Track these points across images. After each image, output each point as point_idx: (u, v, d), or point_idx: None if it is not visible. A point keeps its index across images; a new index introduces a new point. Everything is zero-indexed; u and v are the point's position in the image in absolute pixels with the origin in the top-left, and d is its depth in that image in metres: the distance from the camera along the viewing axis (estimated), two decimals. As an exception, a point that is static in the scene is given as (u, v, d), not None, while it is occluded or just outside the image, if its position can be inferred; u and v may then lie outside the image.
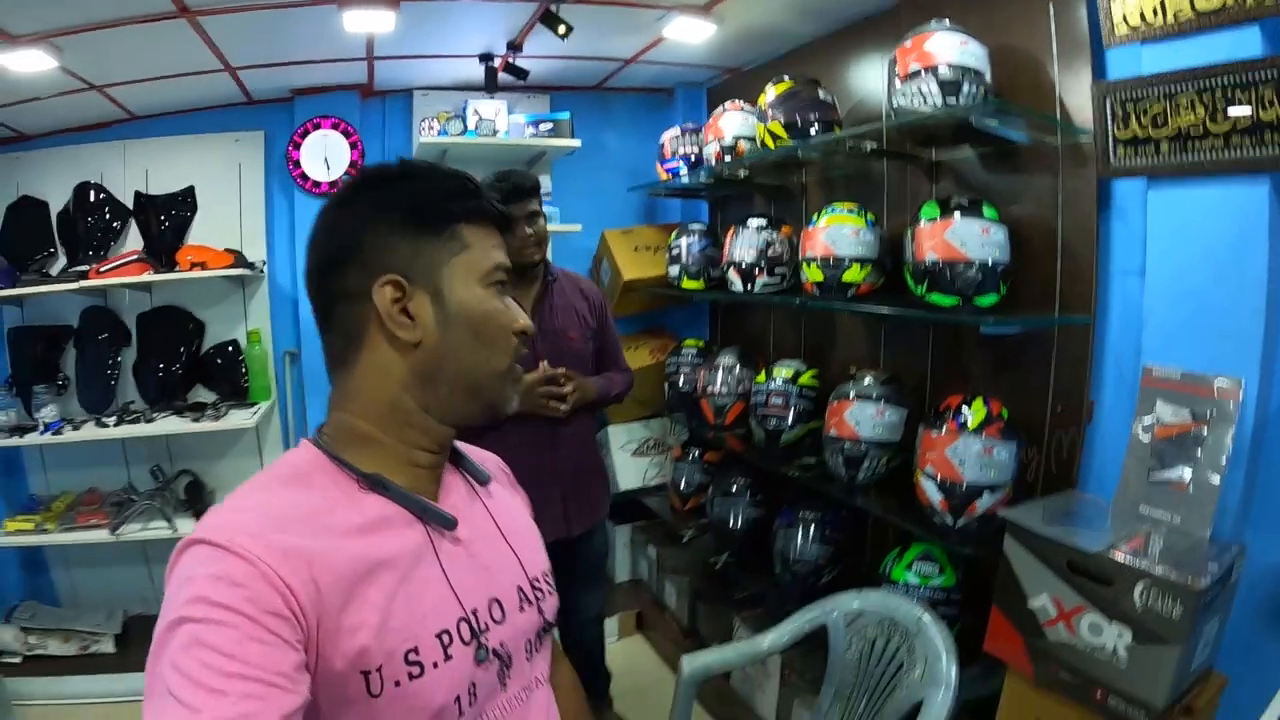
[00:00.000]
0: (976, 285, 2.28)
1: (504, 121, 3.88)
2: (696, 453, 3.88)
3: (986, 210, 2.34)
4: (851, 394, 2.70)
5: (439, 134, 3.78)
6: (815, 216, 2.81)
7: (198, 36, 2.97)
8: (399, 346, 1.02)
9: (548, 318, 2.77)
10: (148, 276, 3.63)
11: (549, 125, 3.89)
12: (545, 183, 3.99)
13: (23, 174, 3.88)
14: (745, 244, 3.18)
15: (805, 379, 3.09)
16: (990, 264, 2.28)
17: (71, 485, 4.04)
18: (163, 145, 3.95)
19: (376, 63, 3.66)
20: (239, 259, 3.77)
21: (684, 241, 3.70)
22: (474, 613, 1.04)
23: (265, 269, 3.93)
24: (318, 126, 3.94)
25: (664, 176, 3.86)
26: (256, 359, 3.97)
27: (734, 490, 3.45)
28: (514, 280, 2.50)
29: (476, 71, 3.71)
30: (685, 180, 3.77)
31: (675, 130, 3.81)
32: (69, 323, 3.94)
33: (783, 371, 3.13)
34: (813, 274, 2.76)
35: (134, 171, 3.94)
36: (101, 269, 3.59)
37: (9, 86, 3.16)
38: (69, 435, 3.65)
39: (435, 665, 0.96)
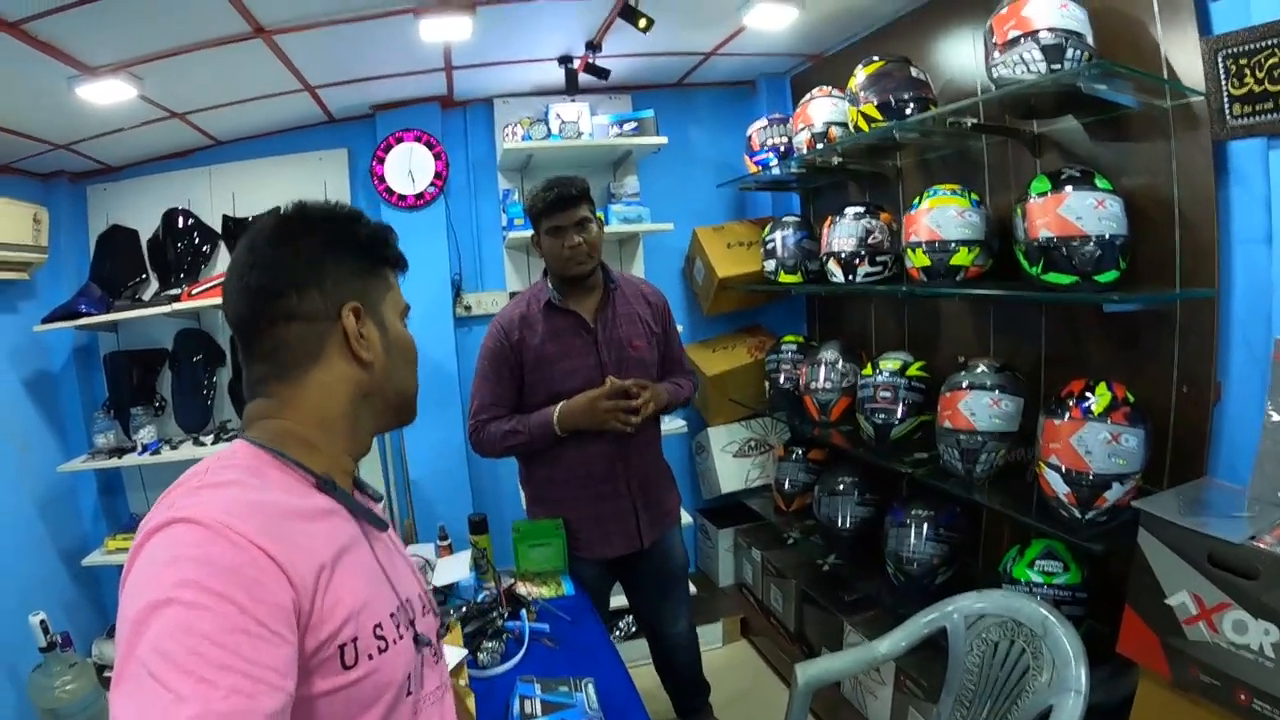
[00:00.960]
0: (1095, 261, 2.16)
1: (587, 123, 3.86)
2: (800, 452, 3.81)
3: (1099, 182, 2.22)
4: (965, 383, 2.59)
5: (523, 139, 3.78)
6: (916, 200, 2.73)
7: (275, 56, 3.02)
8: (354, 365, 1.14)
9: (610, 327, 2.72)
10: (240, 297, 3.67)
11: (633, 124, 3.86)
12: (632, 184, 3.99)
13: (112, 204, 4.02)
14: (844, 233, 3.12)
15: (913, 370, 3.00)
16: (1108, 238, 2.16)
17: (170, 505, 4.12)
18: (248, 168, 4.06)
19: (455, 72, 3.69)
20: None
21: (779, 235, 3.66)
22: (407, 602, 1.14)
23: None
24: (400, 140, 3.99)
25: (753, 169, 3.80)
26: (353, 372, 3.99)
27: (841, 489, 3.37)
28: (571, 291, 2.69)
29: (556, 75, 3.71)
30: (775, 172, 3.72)
31: (762, 121, 3.76)
32: (164, 346, 4.08)
33: (889, 364, 3.04)
34: (918, 259, 2.68)
35: (221, 195, 4.05)
36: (194, 291, 3.69)
37: (94, 119, 3.26)
38: (167, 455, 3.76)
39: (395, 641, 1.05)
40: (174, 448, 3.81)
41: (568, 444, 2.67)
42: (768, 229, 3.74)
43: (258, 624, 0.83)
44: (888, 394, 2.99)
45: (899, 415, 2.96)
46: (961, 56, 2.95)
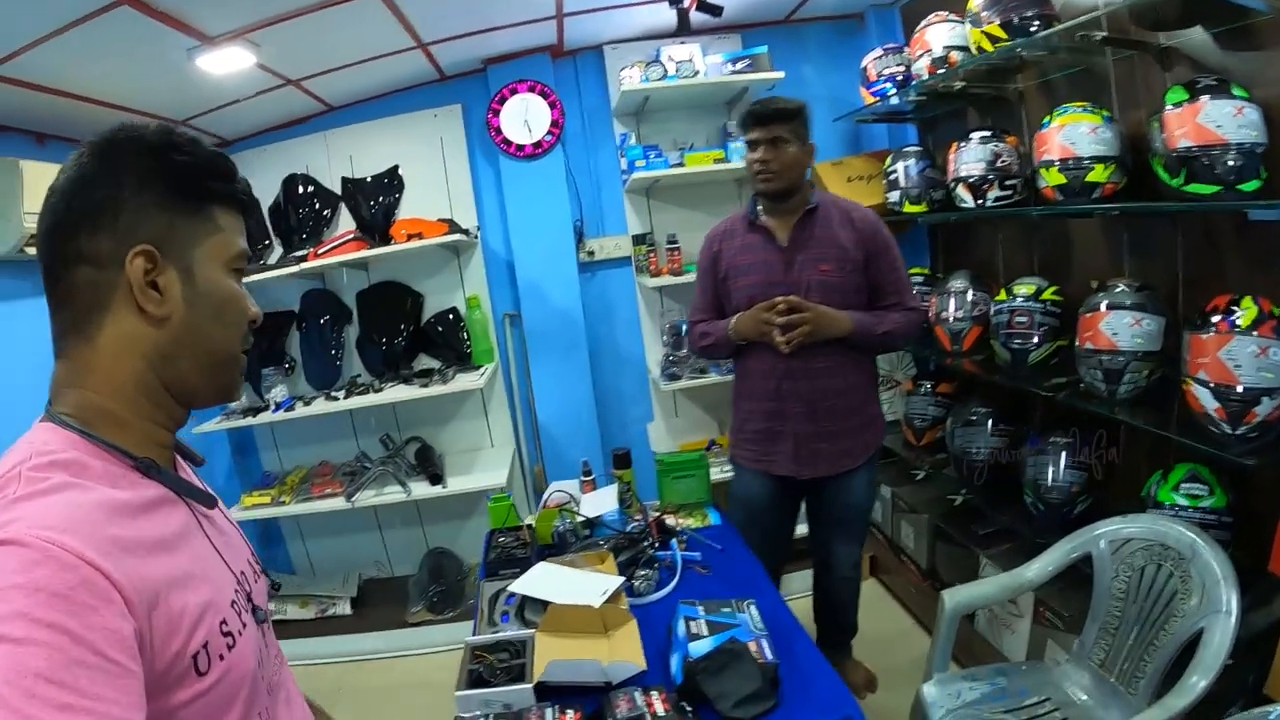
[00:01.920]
0: (1237, 170, 2.13)
1: (701, 63, 3.88)
2: (928, 385, 3.81)
3: (1235, 90, 2.18)
4: (1104, 304, 2.56)
5: (641, 80, 3.81)
6: (1046, 119, 2.70)
7: (389, 13, 3.12)
8: (145, 320, 0.98)
9: (798, 246, 2.76)
10: (366, 252, 3.85)
11: (746, 62, 3.87)
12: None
13: None
14: (972, 158, 3.10)
15: (1048, 295, 2.96)
16: (1249, 146, 2.13)
17: (303, 460, 4.43)
18: (363, 131, 4.21)
19: (566, 20, 3.75)
20: (453, 226, 3.95)
21: (901, 165, 3.63)
22: (241, 578, 1.07)
23: (479, 234, 4.12)
24: (514, 92, 4.07)
25: (869, 100, 3.77)
26: (477, 323, 4.19)
27: (974, 419, 3.36)
28: (771, 208, 2.82)
29: (666, 17, 3.71)
30: (894, 101, 3.68)
31: (876, 52, 3.71)
32: (291, 308, 4.29)
33: (1023, 289, 3.01)
34: (1052, 178, 2.64)
35: (338, 159, 4.21)
36: (319, 251, 3.86)
37: (211, 92, 3.40)
38: (300, 411, 3.95)
39: (239, 632, 0.99)
40: (307, 404, 4.00)
41: (749, 355, 2.86)
42: (889, 160, 3.71)
43: (95, 654, 0.75)
44: (1024, 319, 2.97)
45: (1035, 340, 2.94)
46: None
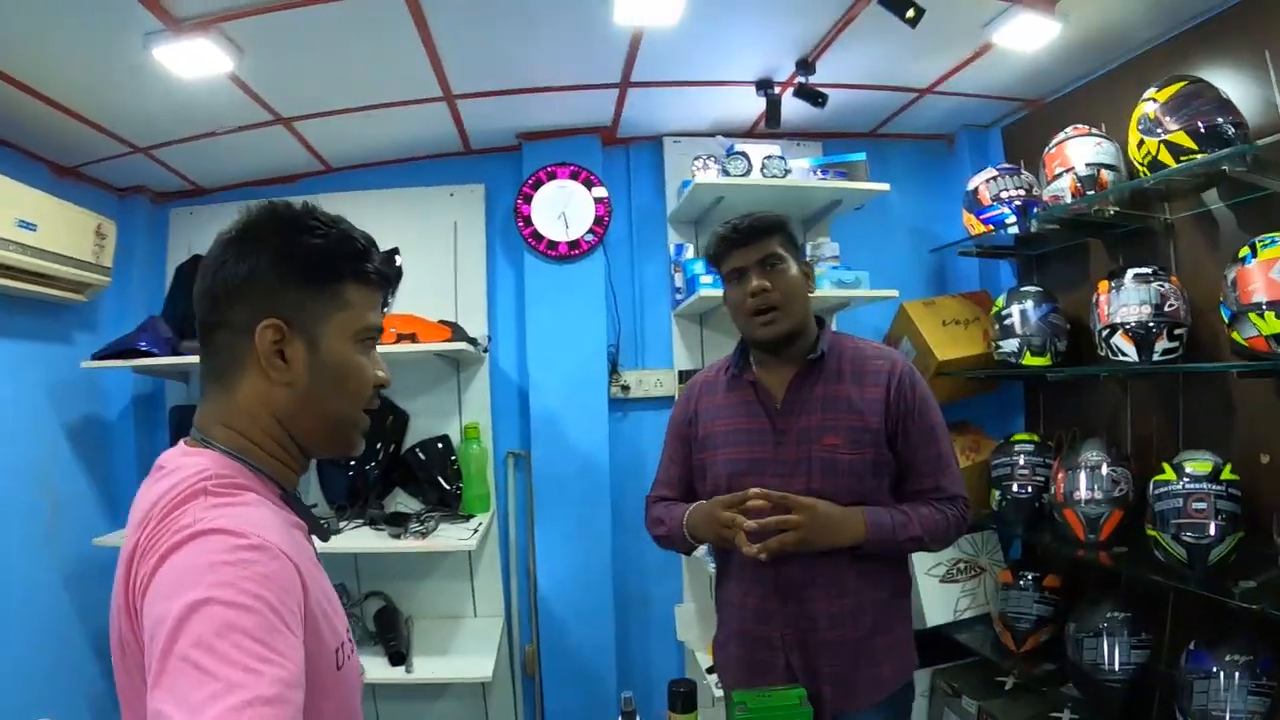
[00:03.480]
0: None
1: (790, 163, 3.32)
2: (1031, 577, 3.18)
3: None
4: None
5: (720, 175, 3.22)
6: (1246, 252, 2.25)
7: (414, 26, 2.52)
8: (272, 384, 1.12)
9: (796, 410, 2.08)
10: (341, 349, 3.18)
11: (839, 170, 3.32)
12: (832, 245, 3.40)
13: (197, 231, 3.60)
14: (1133, 300, 2.63)
15: (1226, 474, 2.40)
16: None
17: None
18: (362, 200, 3.60)
19: (630, 92, 3.20)
20: (458, 332, 3.24)
21: (1018, 308, 3.13)
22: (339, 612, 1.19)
23: (489, 348, 3.36)
24: (553, 176, 3.47)
25: (978, 229, 3.26)
26: (473, 460, 3.41)
27: (1107, 626, 2.76)
28: (762, 356, 2.17)
29: (741, 110, 3.34)
30: (1012, 230, 3.19)
31: (990, 172, 3.25)
32: None
33: (1196, 466, 2.45)
34: (1269, 325, 2.16)
35: None
36: None
37: (180, 108, 2.85)
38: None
39: (353, 643, 1.17)
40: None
41: (730, 560, 2.19)
42: (1002, 303, 3.20)
43: (284, 624, 0.89)
44: (1201, 505, 2.40)
45: (1212, 532, 2.37)
46: (1242, 84, 2.51)
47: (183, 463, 1.07)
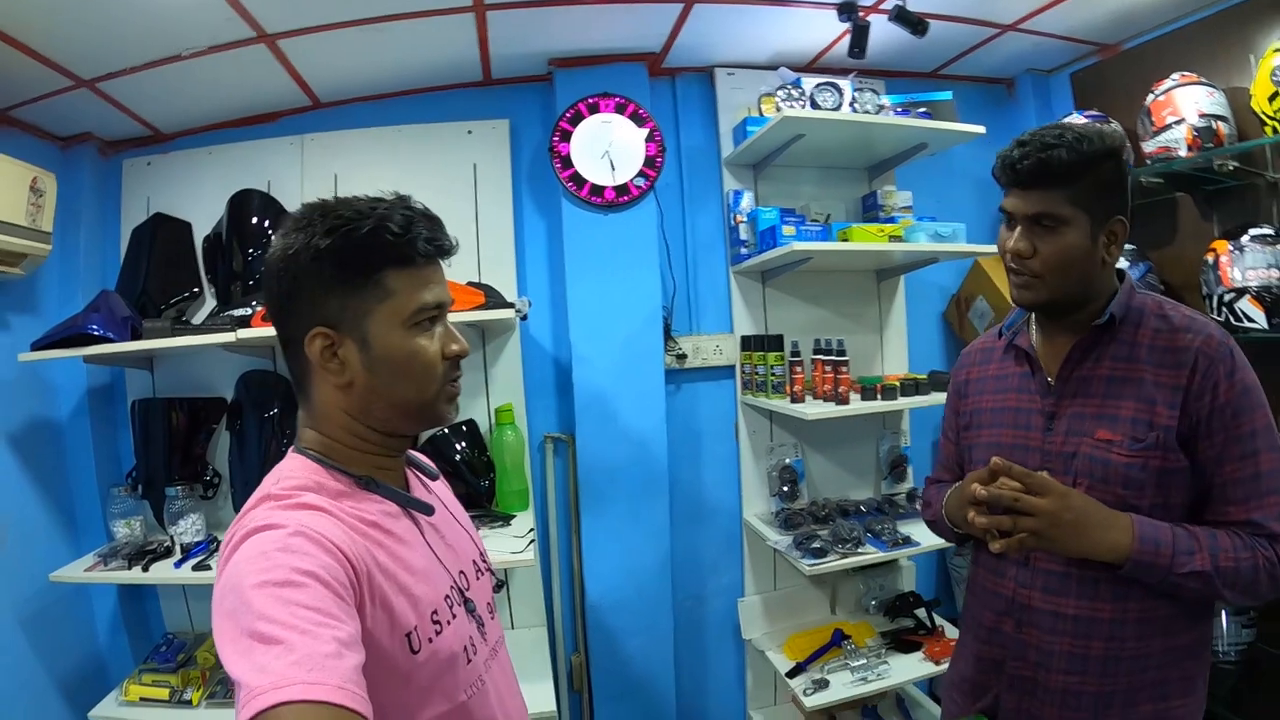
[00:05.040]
0: None
1: (878, 100, 2.94)
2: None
3: None
4: None
5: (807, 107, 2.81)
6: None
7: None
8: (335, 385, 1.17)
9: (1072, 389, 1.64)
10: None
11: (922, 110, 2.95)
12: (903, 195, 3.05)
13: (157, 185, 2.98)
14: (1259, 262, 2.49)
15: None
16: None
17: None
18: (359, 140, 3.02)
19: (694, 10, 2.71)
20: (491, 296, 2.69)
21: None
22: (455, 579, 1.26)
23: (527, 314, 2.82)
24: (595, 109, 2.94)
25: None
26: (508, 449, 2.87)
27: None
28: (1043, 320, 1.75)
29: (805, 40, 2.96)
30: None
31: (1075, 120, 2.95)
32: (220, 394, 2.97)
33: None
34: None
35: (316, 177, 2.99)
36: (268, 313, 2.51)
37: (139, 17, 2.30)
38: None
39: (449, 622, 1.17)
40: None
41: (981, 559, 1.79)
42: None
43: (335, 595, 0.95)
44: None
45: None
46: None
47: (278, 468, 1.18)
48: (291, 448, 1.20)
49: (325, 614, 0.91)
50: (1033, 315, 1.73)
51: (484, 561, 1.40)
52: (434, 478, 1.40)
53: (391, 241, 1.13)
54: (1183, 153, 2.67)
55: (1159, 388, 1.52)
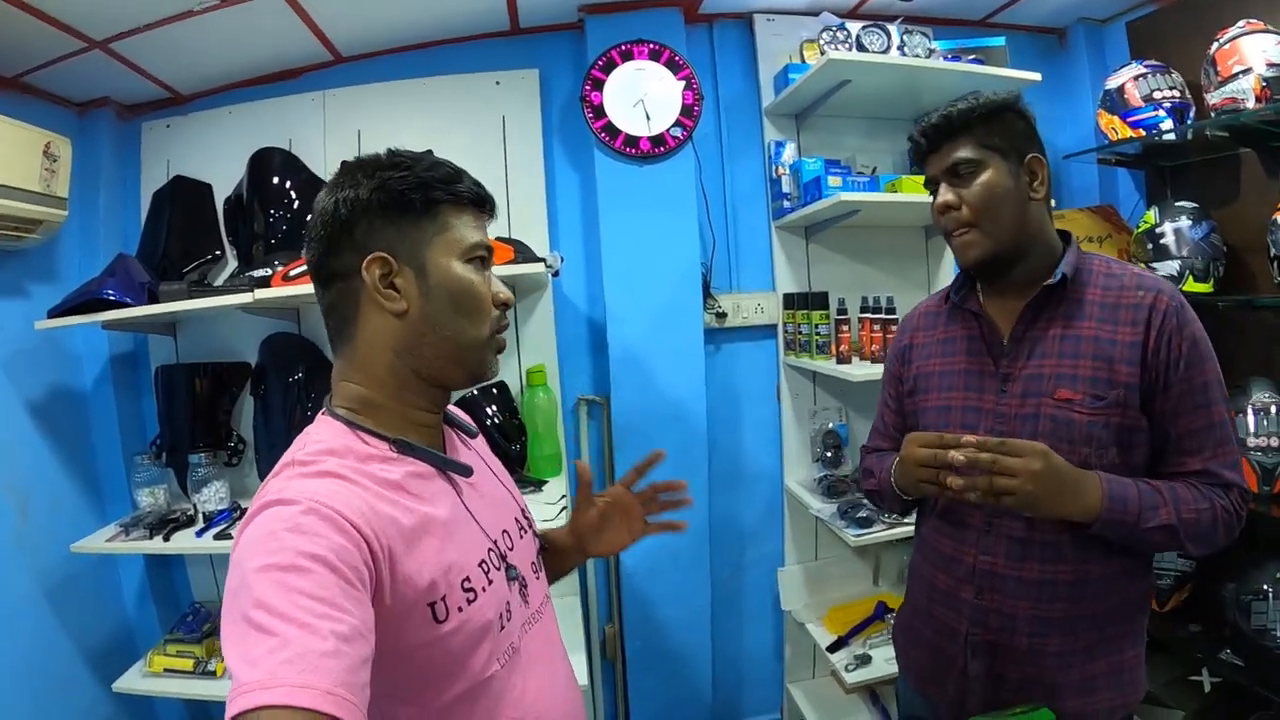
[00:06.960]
0: None
1: (923, 44, 2.83)
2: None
3: None
4: None
5: (852, 49, 2.71)
6: None
7: None
8: (387, 316, 1.17)
9: (1026, 349, 1.64)
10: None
11: (972, 56, 2.83)
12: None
13: (177, 148, 2.96)
14: None
15: None
16: None
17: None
18: (382, 95, 2.96)
19: None
20: (522, 251, 2.60)
21: (1171, 226, 2.77)
22: (496, 542, 1.26)
23: (559, 269, 2.73)
24: (628, 56, 2.85)
25: (1124, 133, 2.86)
26: (540, 412, 2.80)
27: (1275, 588, 2.50)
28: (986, 281, 1.77)
29: None
30: (1169, 136, 2.77)
31: (1135, 69, 2.85)
32: (244, 359, 2.96)
33: None
34: None
35: (339, 135, 2.95)
36: (290, 273, 2.49)
37: None
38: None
39: (484, 589, 1.16)
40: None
41: (928, 517, 1.85)
42: (1152, 218, 2.82)
43: (344, 581, 0.92)
44: None
45: None
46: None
47: (305, 431, 1.17)
48: (322, 410, 1.20)
49: (328, 603, 0.89)
50: (978, 283, 1.75)
51: (526, 517, 1.42)
52: (473, 435, 1.41)
53: (449, 179, 1.19)
54: (1250, 104, 2.51)
55: (1115, 345, 1.56)
